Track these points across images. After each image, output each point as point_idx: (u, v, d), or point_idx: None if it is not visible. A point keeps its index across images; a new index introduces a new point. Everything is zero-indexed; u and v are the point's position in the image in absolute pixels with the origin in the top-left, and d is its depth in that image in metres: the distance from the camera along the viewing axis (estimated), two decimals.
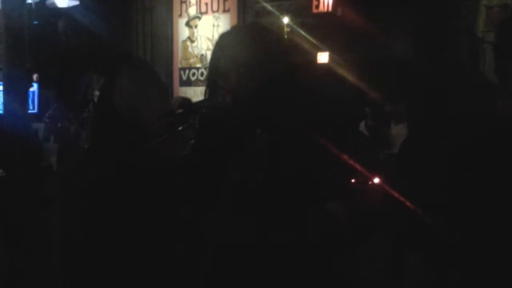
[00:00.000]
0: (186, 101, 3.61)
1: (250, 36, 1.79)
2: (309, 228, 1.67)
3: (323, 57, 6.42)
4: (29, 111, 7.30)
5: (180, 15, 7.74)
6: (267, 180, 1.62)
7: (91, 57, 2.81)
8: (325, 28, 6.38)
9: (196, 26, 7.58)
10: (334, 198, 1.74)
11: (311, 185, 1.68)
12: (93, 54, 2.80)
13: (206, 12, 7.49)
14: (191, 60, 7.56)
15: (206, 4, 7.45)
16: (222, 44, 1.80)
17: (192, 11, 7.62)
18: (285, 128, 1.70)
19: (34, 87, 7.68)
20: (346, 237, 1.77)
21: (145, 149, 1.83)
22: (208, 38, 7.44)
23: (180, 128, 1.97)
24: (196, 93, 7.23)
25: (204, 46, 7.48)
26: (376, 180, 3.58)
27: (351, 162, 1.78)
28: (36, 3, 7.09)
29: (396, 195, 2.61)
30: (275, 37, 1.85)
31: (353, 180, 1.99)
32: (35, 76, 7.66)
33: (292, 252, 1.67)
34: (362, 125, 5.34)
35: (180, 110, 2.16)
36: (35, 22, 7.41)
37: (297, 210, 1.67)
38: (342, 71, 5.95)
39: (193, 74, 7.44)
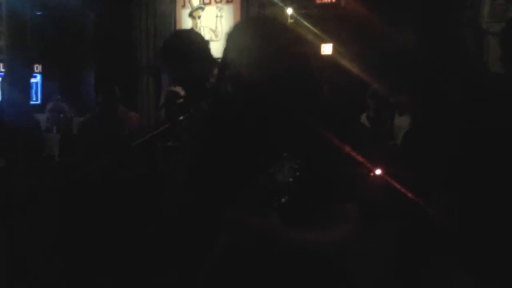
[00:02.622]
0: (172, 93, 3.57)
1: (258, 27, 1.77)
2: (323, 226, 1.64)
3: (326, 48, 6.40)
4: (32, 102, 7.33)
5: (184, 6, 7.71)
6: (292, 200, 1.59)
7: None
8: (329, 19, 6.36)
9: (199, 17, 7.56)
10: (348, 197, 1.71)
11: (324, 186, 1.64)
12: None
13: (209, 3, 7.47)
14: None
15: None
16: (231, 37, 1.79)
17: (196, 2, 7.59)
18: (289, 119, 1.68)
19: (38, 79, 7.68)
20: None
21: (144, 140, 1.81)
22: (211, 29, 7.42)
23: (181, 118, 1.96)
24: None
25: (207, 37, 7.46)
26: (379, 171, 3.57)
27: (354, 154, 1.76)
28: None
29: (399, 186, 2.59)
30: (282, 28, 1.83)
31: (355, 172, 1.97)
32: (38, 67, 7.67)
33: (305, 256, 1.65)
34: (363, 117, 5.32)
35: (181, 100, 2.15)
36: (38, 13, 7.40)
37: (314, 211, 1.64)
38: (345, 62, 5.93)
39: None
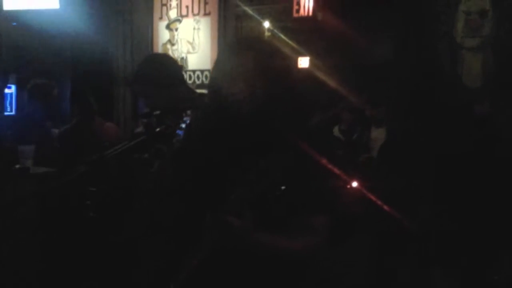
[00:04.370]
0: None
1: (248, 48, 1.80)
2: (291, 241, 1.68)
3: (303, 62, 6.43)
4: (6, 113, 7.25)
5: (161, 18, 7.70)
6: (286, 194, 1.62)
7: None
8: (306, 33, 6.39)
9: (176, 29, 7.55)
10: (319, 210, 1.74)
11: (299, 196, 1.68)
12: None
13: (186, 15, 7.47)
14: None
15: (187, 7, 7.42)
16: (221, 57, 1.83)
17: (173, 14, 7.59)
18: (278, 137, 1.70)
19: (12, 89, 7.60)
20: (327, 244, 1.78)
21: (121, 150, 1.80)
22: (188, 41, 7.41)
23: (158, 129, 1.95)
24: None
25: (185, 49, 7.46)
26: (355, 184, 3.60)
27: (329, 166, 1.78)
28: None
29: (374, 198, 2.61)
30: (274, 49, 1.86)
31: (332, 185, 1.98)
32: (13, 78, 7.59)
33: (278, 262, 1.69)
34: (336, 130, 5.36)
35: (158, 112, 2.15)
36: (14, 24, 7.34)
37: (285, 222, 1.68)
38: (322, 76, 5.97)
39: None
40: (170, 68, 2.86)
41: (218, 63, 1.79)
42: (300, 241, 1.67)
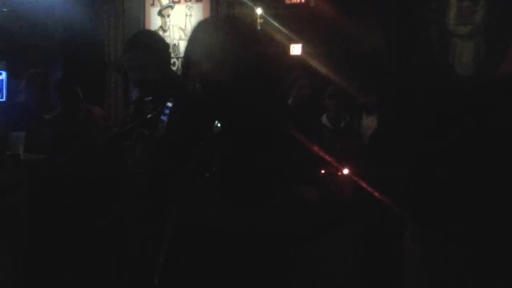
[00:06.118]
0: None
1: (223, 25, 1.79)
2: (280, 212, 1.66)
3: (296, 49, 6.41)
4: None
5: (153, 4, 7.66)
6: (222, 170, 1.61)
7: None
8: (298, 20, 6.38)
9: (168, 16, 7.52)
10: (305, 185, 1.74)
11: (281, 173, 1.67)
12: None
13: (179, 2, 7.43)
14: None
15: None
16: (195, 33, 1.80)
17: (165, 0, 7.55)
18: (253, 117, 1.69)
19: (3, 76, 7.54)
20: (319, 222, 1.77)
21: (109, 137, 1.80)
22: (180, 28, 7.38)
23: (149, 115, 1.95)
24: None
25: (177, 36, 7.42)
26: (346, 171, 3.60)
27: (319, 152, 1.78)
28: None
29: (366, 186, 2.62)
30: (248, 28, 1.85)
31: (322, 171, 1.99)
32: (3, 64, 7.53)
33: (260, 238, 1.66)
34: (324, 118, 5.36)
35: (149, 98, 2.14)
36: (4, 10, 7.28)
37: (267, 196, 1.66)
38: (314, 63, 5.96)
39: None
40: (160, 41, 2.90)
41: (189, 41, 1.79)
42: (289, 214, 1.65)
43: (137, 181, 2.25)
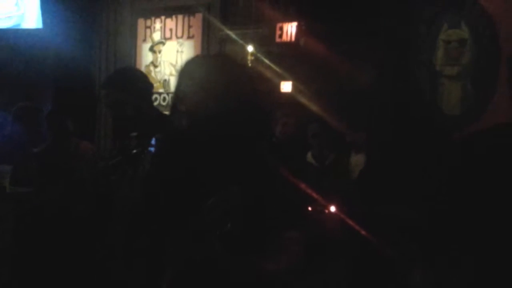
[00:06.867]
0: None
1: (212, 62, 1.80)
2: (269, 255, 1.65)
3: (286, 86, 6.46)
4: None
5: (144, 40, 7.73)
6: (237, 227, 1.60)
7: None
8: (288, 58, 6.44)
9: (160, 52, 7.58)
10: (291, 227, 1.73)
11: (268, 214, 1.66)
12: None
13: (170, 38, 7.50)
14: (154, 85, 7.51)
15: (171, 30, 7.46)
16: (185, 70, 1.81)
17: (157, 36, 7.61)
18: (242, 154, 1.69)
19: None
20: (304, 263, 1.76)
21: (96, 172, 1.79)
22: (171, 64, 7.43)
23: (134, 151, 1.95)
24: None
25: (167, 72, 7.47)
26: (333, 209, 3.60)
27: (307, 190, 1.78)
28: None
29: (353, 223, 2.61)
30: (237, 65, 1.87)
31: (310, 208, 1.98)
32: None
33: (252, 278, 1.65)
34: (309, 156, 5.37)
35: (135, 134, 2.14)
36: None
37: (257, 238, 1.65)
38: (304, 100, 5.99)
39: (156, 99, 7.41)
40: (139, 79, 2.92)
41: (178, 77, 1.80)
42: (276, 261, 1.65)
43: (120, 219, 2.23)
